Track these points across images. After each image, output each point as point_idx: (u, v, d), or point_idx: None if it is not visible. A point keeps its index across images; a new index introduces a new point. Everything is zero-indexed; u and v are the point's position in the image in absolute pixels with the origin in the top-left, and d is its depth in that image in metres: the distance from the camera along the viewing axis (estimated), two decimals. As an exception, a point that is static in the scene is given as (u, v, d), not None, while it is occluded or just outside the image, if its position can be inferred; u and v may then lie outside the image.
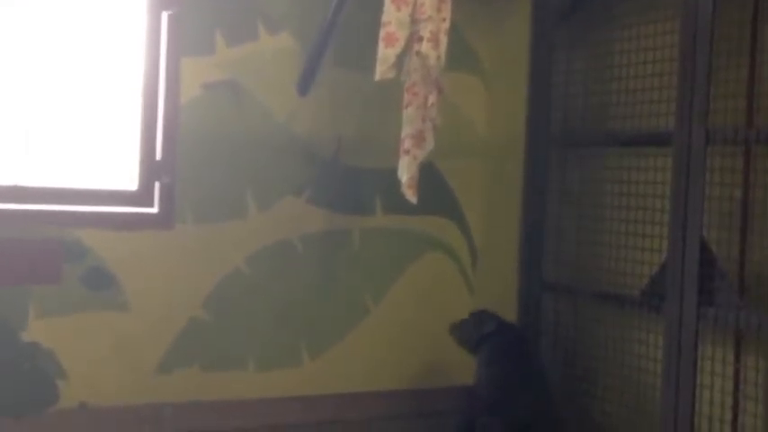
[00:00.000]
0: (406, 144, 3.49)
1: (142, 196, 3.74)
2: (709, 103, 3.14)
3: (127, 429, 3.66)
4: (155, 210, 3.74)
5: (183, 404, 3.76)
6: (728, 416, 3.11)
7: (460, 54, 4.25)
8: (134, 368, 3.70)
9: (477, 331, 3.72)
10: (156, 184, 3.74)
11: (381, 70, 3.43)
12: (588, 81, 3.84)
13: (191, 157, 3.78)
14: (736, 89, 3.14)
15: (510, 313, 3.97)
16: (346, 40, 3.94)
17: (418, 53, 3.40)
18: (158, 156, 3.74)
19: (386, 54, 3.42)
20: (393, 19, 3.42)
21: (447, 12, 3.44)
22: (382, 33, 3.43)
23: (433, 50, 3.38)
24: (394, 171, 3.55)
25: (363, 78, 3.72)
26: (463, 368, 4.00)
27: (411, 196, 3.52)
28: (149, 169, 3.74)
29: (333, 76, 3.99)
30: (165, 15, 3.71)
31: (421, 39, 3.40)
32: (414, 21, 3.42)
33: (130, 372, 3.69)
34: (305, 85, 3.78)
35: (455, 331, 3.81)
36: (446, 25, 3.44)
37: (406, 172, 3.50)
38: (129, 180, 3.75)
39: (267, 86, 3.92)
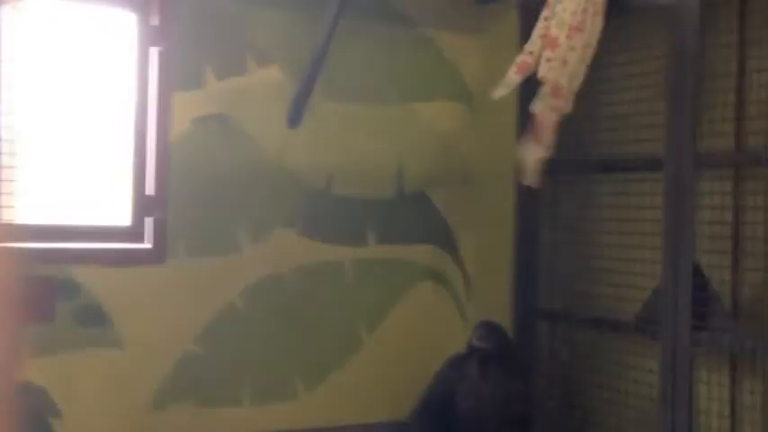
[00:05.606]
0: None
1: (134, 232, 3.73)
2: (698, 128, 3.15)
3: (122, 467, 3.64)
4: (147, 245, 3.73)
5: (178, 440, 3.75)
6: (726, 440, 3.10)
7: (448, 81, 4.28)
8: (128, 405, 3.67)
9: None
10: (148, 220, 3.74)
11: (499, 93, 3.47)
12: (577, 106, 3.85)
13: (182, 192, 3.77)
14: (724, 112, 3.16)
15: (505, 341, 3.96)
16: (336, 72, 3.96)
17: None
18: (149, 191, 3.74)
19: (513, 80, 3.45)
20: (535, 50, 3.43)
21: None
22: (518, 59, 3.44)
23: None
24: (386, 201, 3.55)
25: (353, 110, 3.73)
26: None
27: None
28: (141, 205, 3.74)
29: (323, 107, 4.00)
30: (154, 51, 3.73)
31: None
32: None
33: (125, 409, 3.66)
34: (297, 115, 3.75)
35: None
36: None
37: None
38: (120, 216, 3.75)
39: (257, 119, 3.92)
